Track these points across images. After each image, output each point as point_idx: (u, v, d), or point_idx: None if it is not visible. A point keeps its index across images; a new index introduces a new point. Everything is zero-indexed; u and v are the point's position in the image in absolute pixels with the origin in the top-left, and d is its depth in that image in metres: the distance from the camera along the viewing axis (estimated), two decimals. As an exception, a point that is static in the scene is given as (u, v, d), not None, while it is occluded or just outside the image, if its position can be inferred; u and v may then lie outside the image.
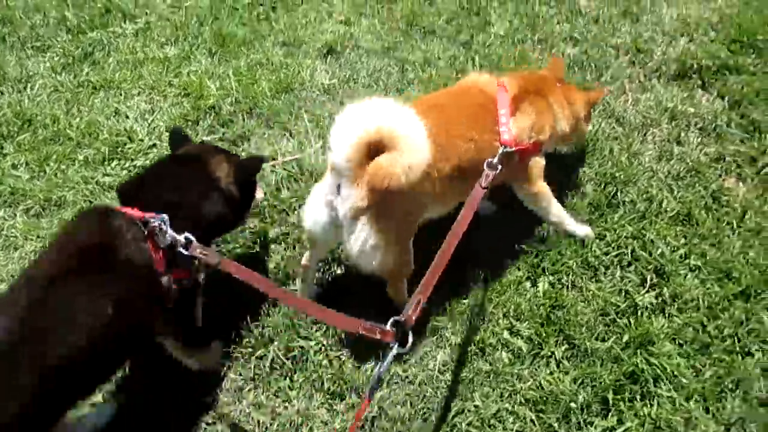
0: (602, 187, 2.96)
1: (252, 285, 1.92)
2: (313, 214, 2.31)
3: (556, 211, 2.70)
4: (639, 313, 2.55)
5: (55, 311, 1.81)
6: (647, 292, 2.62)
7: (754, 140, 3.12)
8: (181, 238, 1.98)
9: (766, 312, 2.52)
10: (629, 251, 2.72)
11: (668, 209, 2.86)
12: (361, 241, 2.19)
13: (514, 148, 2.39)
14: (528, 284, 2.66)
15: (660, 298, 2.60)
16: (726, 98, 3.32)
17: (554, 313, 2.55)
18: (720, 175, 3.01)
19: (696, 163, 3.05)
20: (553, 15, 3.96)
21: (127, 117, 3.51)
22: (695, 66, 3.47)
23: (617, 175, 2.99)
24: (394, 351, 1.79)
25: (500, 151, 2.34)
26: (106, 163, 3.27)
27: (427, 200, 2.31)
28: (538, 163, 2.61)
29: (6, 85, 3.83)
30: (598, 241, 2.76)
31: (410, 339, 1.80)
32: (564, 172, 3.00)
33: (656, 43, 3.68)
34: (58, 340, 1.78)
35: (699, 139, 3.17)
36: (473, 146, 2.35)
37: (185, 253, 1.98)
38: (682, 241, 2.76)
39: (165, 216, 2.00)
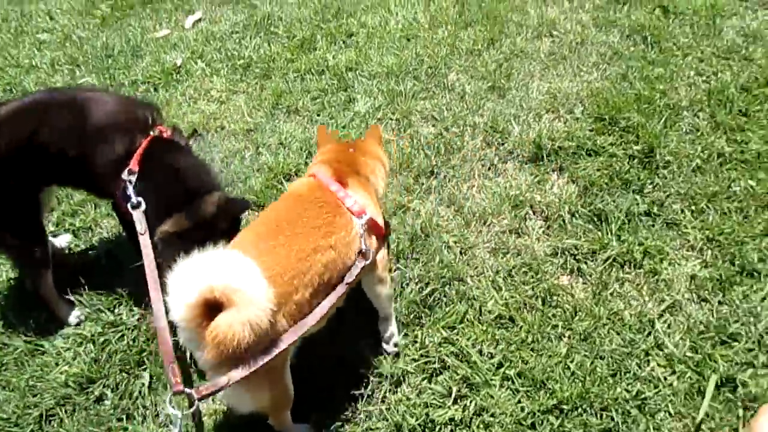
0: (425, 285, 2.76)
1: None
2: None
3: (389, 310, 2.55)
4: (437, 430, 2.33)
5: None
6: (453, 404, 2.40)
7: (598, 231, 2.90)
8: (134, 199, 2.38)
9: (579, 429, 2.28)
10: (438, 359, 2.51)
11: (490, 311, 2.65)
12: (229, 393, 1.99)
13: (369, 215, 2.21)
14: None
15: (465, 412, 2.37)
16: (578, 183, 3.11)
17: None
18: (555, 271, 2.79)
19: (532, 257, 2.83)
20: (420, 91, 3.81)
21: None
22: (553, 147, 3.27)
23: (443, 272, 2.79)
24: (171, 411, 1.83)
25: (359, 223, 2.17)
26: None
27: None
28: (385, 248, 2.45)
29: None
30: (408, 347, 2.56)
31: (195, 407, 1.86)
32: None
33: (517, 122, 3.49)
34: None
35: (540, 231, 2.95)
36: (334, 252, 2.11)
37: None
38: (500, 347, 2.54)
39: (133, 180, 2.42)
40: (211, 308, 1.82)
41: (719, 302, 2.60)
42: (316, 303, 2.07)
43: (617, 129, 3.32)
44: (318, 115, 3.75)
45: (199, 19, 5.09)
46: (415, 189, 3.20)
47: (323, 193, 2.24)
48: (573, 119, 3.43)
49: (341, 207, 2.20)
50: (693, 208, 2.95)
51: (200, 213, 2.42)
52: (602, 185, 3.05)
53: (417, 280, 2.78)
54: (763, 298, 2.59)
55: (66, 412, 2.51)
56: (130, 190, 2.38)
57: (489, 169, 3.28)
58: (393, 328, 2.59)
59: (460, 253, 2.90)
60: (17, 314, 2.89)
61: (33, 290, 2.81)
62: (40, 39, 5.15)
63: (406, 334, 2.61)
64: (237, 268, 1.87)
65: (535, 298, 2.68)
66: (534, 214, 3.04)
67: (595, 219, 2.94)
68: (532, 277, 2.76)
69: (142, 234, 2.27)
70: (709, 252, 2.77)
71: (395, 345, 2.59)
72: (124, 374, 2.62)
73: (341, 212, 2.19)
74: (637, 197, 3.00)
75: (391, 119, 3.62)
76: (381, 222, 2.35)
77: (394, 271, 2.84)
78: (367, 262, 2.15)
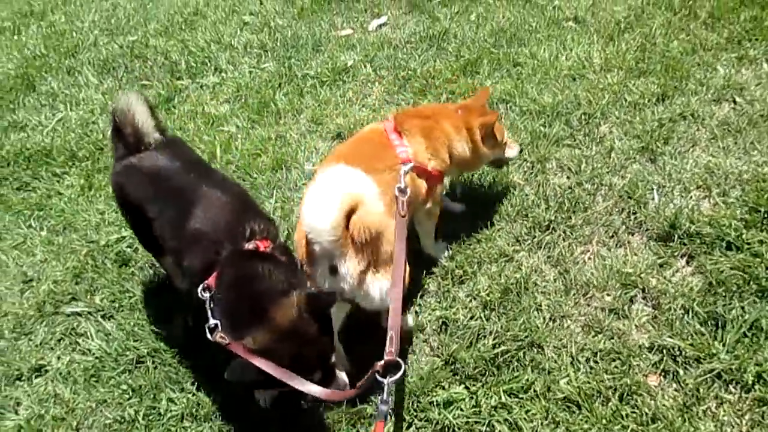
0: (500, 342, 2.69)
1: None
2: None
3: (430, 240, 3.08)
4: None
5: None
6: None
7: (709, 337, 2.58)
8: (212, 321, 2.26)
9: None
10: (488, 423, 2.46)
11: (560, 389, 2.52)
12: (376, 292, 2.42)
13: (412, 164, 2.67)
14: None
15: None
16: (705, 277, 2.78)
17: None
18: (646, 368, 2.55)
19: (625, 345, 2.62)
20: (565, 137, 3.62)
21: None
22: (689, 230, 2.95)
23: (524, 334, 2.70)
24: (387, 381, 2.13)
25: (402, 170, 2.63)
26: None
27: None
28: (440, 187, 2.95)
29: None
30: (464, 401, 2.54)
31: (402, 368, 2.15)
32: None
33: (659, 193, 3.19)
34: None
35: (644, 319, 2.71)
36: (394, 174, 2.63)
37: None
38: (562, 428, 2.42)
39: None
40: (347, 217, 2.26)
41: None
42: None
43: (773, 225, 2.91)
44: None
45: (383, 24, 5.31)
46: (525, 240, 3.11)
47: (383, 138, 2.78)
48: (724, 203, 3.05)
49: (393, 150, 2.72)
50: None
51: (278, 321, 2.16)
52: (732, 287, 2.70)
53: (494, 336, 2.72)
54: None
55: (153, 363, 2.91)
56: (208, 311, 2.26)
57: (611, 237, 3.06)
58: (436, 246, 3.10)
59: (550, 319, 2.77)
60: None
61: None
62: (244, 20, 5.74)
63: (466, 387, 2.58)
64: (354, 175, 2.35)
65: (614, 390, 2.49)
66: (644, 299, 2.79)
67: (711, 322, 2.62)
68: (618, 366, 2.56)
69: (227, 344, 2.16)
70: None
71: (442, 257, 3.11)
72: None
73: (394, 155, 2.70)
74: (770, 311, 2.61)
75: (525, 161, 3.52)
76: (436, 168, 2.81)
77: (476, 319, 2.81)
78: (405, 196, 2.56)
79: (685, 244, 2.93)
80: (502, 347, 2.67)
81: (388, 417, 2.38)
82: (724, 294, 2.69)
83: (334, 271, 2.37)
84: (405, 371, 2.24)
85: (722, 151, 3.35)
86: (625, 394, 2.48)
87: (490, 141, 3.01)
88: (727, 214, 2.98)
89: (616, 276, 2.86)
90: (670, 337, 2.61)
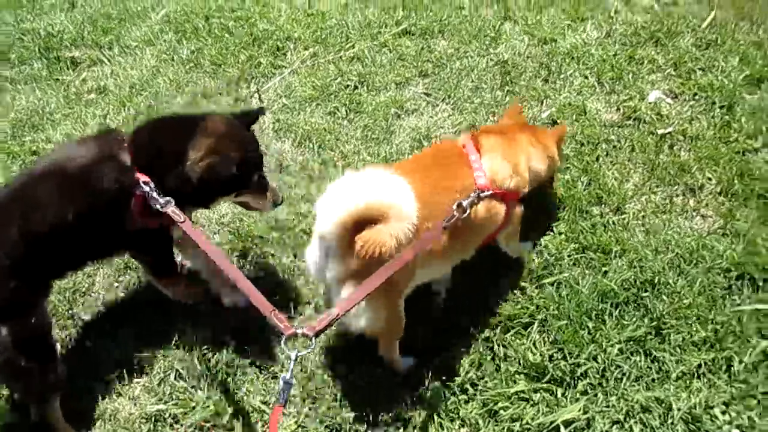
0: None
1: (203, 250, 2.29)
2: (312, 268, 2.49)
3: (517, 254, 3.06)
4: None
5: (38, 197, 2.44)
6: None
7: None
8: (161, 200, 2.43)
9: None
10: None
11: None
12: (350, 314, 2.25)
13: (490, 191, 2.52)
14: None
15: None
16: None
17: None
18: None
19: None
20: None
21: None
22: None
23: None
24: (292, 355, 1.97)
25: (473, 194, 2.46)
26: None
27: (417, 263, 2.37)
28: (519, 209, 2.79)
29: None
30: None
31: (312, 344, 2.01)
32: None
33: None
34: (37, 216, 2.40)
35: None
36: (458, 198, 2.44)
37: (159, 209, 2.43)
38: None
39: (151, 185, 2.46)
40: (359, 224, 2.15)
41: None
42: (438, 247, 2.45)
43: None
44: None
45: None
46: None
47: (461, 155, 2.65)
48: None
49: (470, 170, 2.57)
50: None
51: (210, 128, 2.54)
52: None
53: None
54: None
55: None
56: (154, 195, 2.43)
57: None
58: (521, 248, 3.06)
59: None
60: None
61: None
62: None
63: None
64: (393, 186, 2.21)
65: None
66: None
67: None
68: None
69: (182, 222, 2.40)
70: None
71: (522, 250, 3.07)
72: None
73: (469, 174, 2.57)
74: None
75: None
76: (517, 188, 2.69)
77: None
78: (462, 215, 2.40)
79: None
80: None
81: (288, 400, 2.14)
82: None
83: (326, 254, 2.35)
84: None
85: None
86: None
87: (560, 153, 3.02)
88: None
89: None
90: None
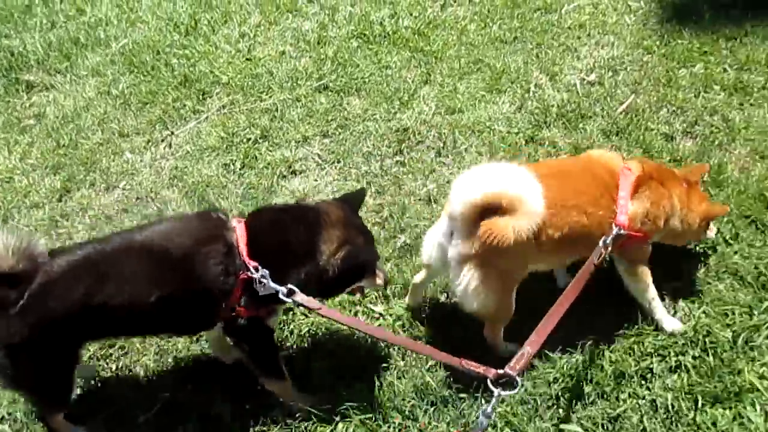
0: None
1: (355, 328, 2.51)
2: (429, 249, 2.76)
3: (649, 297, 2.89)
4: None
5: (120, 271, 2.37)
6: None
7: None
8: (283, 288, 2.38)
9: None
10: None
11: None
12: (465, 284, 2.53)
13: (625, 232, 2.59)
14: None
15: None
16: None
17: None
18: None
19: None
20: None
21: None
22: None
23: None
24: (496, 393, 2.07)
25: (614, 232, 2.56)
26: None
27: (531, 258, 2.62)
28: (645, 248, 2.84)
29: None
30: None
31: (519, 383, 2.10)
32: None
33: None
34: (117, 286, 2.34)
35: None
36: (586, 219, 2.59)
37: (285, 300, 2.40)
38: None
39: (266, 272, 2.37)
40: (489, 210, 2.33)
41: None
42: (559, 247, 2.61)
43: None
44: None
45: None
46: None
47: (612, 181, 2.68)
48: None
49: (613, 204, 2.64)
50: None
51: (333, 218, 2.59)
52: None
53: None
54: None
55: None
56: (270, 284, 2.36)
57: None
58: (658, 314, 2.89)
59: None
60: None
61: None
62: None
63: None
64: (527, 183, 2.37)
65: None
66: None
67: None
68: None
69: (319, 309, 2.45)
70: None
71: (671, 326, 2.89)
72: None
73: (608, 205, 2.64)
74: None
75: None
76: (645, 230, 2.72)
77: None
78: (599, 258, 2.52)
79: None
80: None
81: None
82: None
83: (451, 234, 2.57)
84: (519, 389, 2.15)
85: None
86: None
87: (705, 227, 3.03)
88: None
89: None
90: None
